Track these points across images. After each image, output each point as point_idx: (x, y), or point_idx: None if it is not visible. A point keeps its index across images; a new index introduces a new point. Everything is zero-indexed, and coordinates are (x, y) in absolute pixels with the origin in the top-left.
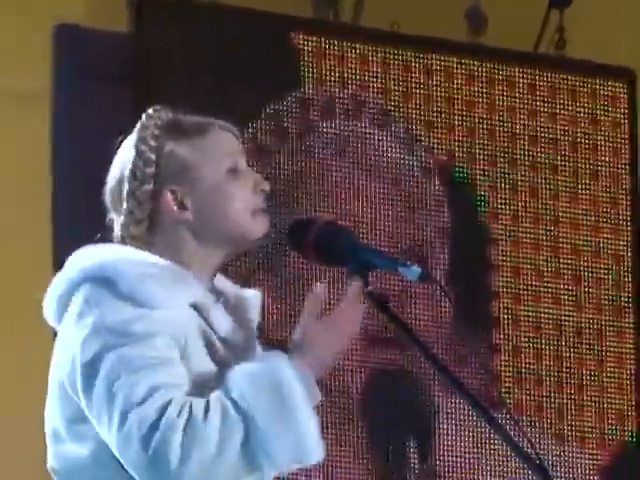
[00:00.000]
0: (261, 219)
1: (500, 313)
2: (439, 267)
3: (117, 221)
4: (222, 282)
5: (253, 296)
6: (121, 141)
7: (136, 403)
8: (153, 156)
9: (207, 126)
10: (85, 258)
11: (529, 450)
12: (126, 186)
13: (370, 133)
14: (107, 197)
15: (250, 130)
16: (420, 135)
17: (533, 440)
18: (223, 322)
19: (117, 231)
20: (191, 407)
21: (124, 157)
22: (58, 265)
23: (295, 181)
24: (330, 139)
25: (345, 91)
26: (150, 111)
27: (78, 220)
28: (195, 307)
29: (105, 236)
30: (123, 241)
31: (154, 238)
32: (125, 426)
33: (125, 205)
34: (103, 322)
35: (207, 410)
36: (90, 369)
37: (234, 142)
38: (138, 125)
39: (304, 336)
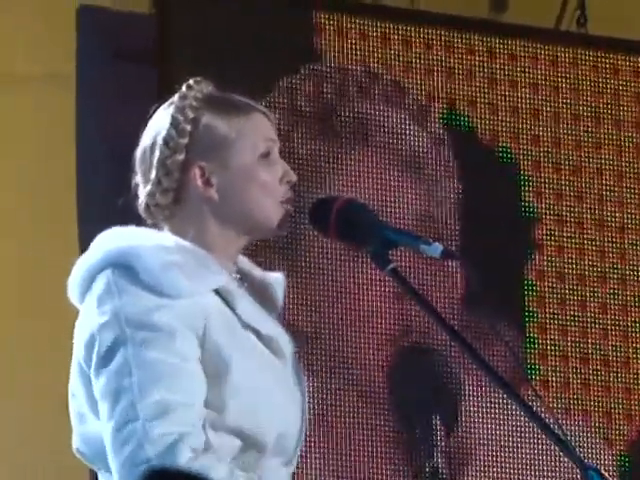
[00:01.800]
0: (282, 210)
1: (544, 291)
2: (452, 242)
3: (143, 187)
4: (245, 264)
5: (277, 279)
6: (157, 107)
7: (142, 417)
8: (188, 127)
9: (248, 107)
10: (109, 241)
11: (554, 426)
12: (157, 154)
13: (383, 110)
14: (137, 161)
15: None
16: (438, 111)
17: (559, 416)
18: (247, 307)
19: (142, 198)
20: (212, 466)
21: (159, 124)
22: (83, 244)
23: (309, 162)
24: (344, 118)
25: (359, 67)
26: (191, 82)
27: (104, 201)
28: (219, 292)
29: (128, 200)
30: (147, 209)
31: (179, 210)
32: (124, 432)
33: (154, 173)
34: (123, 310)
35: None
36: (104, 356)
37: (271, 129)
38: (177, 94)
39: None
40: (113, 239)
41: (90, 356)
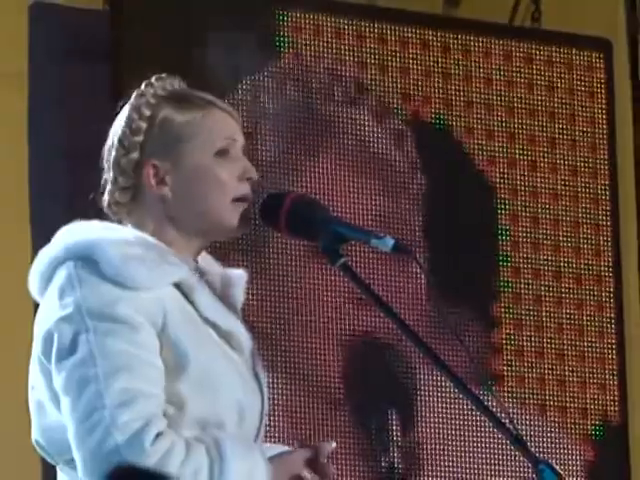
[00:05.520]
0: (239, 209)
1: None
2: (413, 235)
3: (107, 185)
4: (207, 261)
5: (238, 276)
6: (122, 105)
7: (109, 405)
8: (144, 125)
9: (206, 103)
10: (71, 235)
11: (507, 421)
12: (113, 153)
13: (345, 111)
14: (103, 159)
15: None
16: (397, 107)
17: (513, 411)
18: (207, 302)
19: (105, 195)
20: (172, 448)
21: (117, 123)
22: (35, 243)
23: (270, 161)
24: (306, 119)
25: (321, 65)
26: (152, 79)
27: (57, 199)
28: (179, 286)
29: (96, 198)
30: (109, 206)
31: (137, 208)
32: (90, 421)
33: (111, 173)
34: (85, 303)
35: (183, 462)
36: (66, 349)
37: (231, 126)
38: (135, 92)
39: (287, 463)
40: (75, 232)
41: (50, 349)
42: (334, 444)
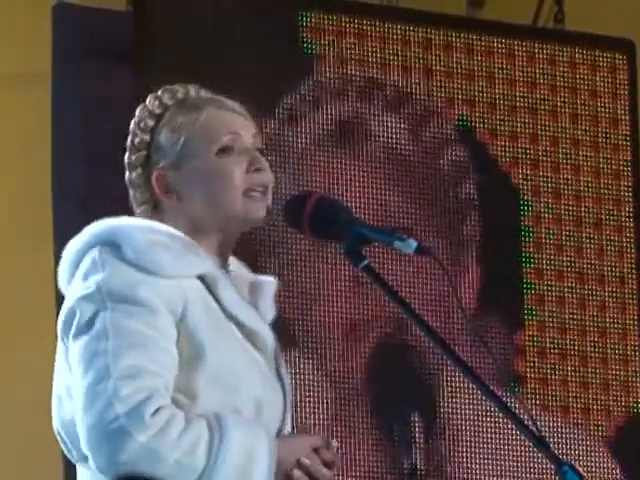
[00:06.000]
0: (255, 199)
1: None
2: (471, 239)
3: None
4: (235, 265)
5: (269, 282)
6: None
7: (115, 377)
8: (147, 137)
9: (205, 103)
10: (98, 225)
11: (530, 423)
12: (126, 174)
13: (381, 116)
14: None
15: (269, 116)
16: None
17: (536, 413)
18: (232, 297)
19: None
20: (172, 419)
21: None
22: (58, 243)
23: (303, 164)
24: (340, 122)
25: (343, 67)
26: (159, 92)
27: (80, 199)
28: (204, 280)
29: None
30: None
31: (162, 218)
32: (94, 390)
33: (130, 190)
34: (106, 284)
35: (182, 433)
36: (84, 324)
37: (232, 121)
38: (139, 107)
39: (295, 445)
40: (102, 222)
41: (70, 325)
42: (336, 443)
